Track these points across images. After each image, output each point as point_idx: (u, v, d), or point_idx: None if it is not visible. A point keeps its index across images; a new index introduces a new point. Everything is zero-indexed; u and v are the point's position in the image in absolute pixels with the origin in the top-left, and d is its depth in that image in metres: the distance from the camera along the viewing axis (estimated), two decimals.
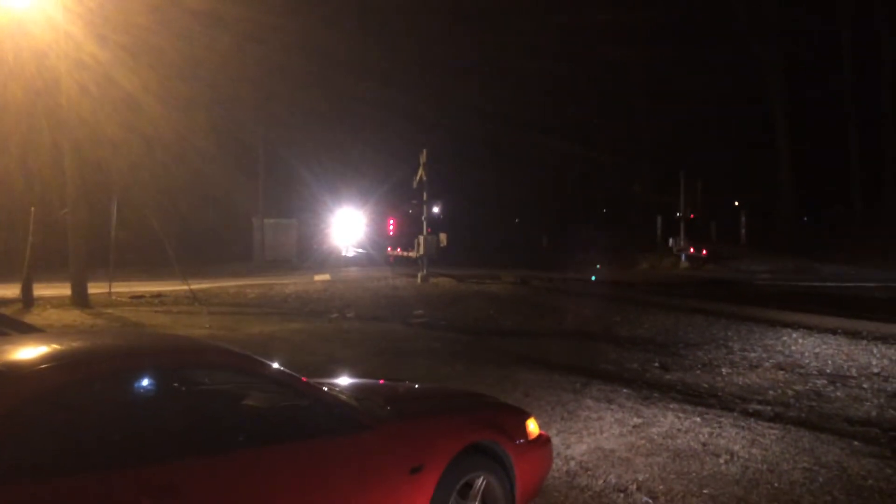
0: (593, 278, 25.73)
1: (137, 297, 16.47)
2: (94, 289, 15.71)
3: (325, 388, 3.64)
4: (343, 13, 35.67)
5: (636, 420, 6.67)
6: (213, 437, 3.09)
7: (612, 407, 7.13)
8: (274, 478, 3.04)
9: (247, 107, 31.95)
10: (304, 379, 3.50)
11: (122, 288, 17.49)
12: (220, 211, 32.49)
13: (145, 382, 3.07)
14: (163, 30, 23.58)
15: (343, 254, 33.91)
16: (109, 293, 16.19)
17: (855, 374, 8.93)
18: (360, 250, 34.10)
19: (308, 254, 32.96)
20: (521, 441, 4.15)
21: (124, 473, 2.65)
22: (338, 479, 3.23)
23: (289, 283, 20.25)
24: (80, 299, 14.84)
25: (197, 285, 17.53)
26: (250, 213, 32.48)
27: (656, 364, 9.64)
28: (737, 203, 40.83)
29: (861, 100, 39.94)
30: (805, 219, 42.67)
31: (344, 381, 4.79)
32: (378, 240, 33.82)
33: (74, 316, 13.46)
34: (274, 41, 30.87)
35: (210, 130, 29.57)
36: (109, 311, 14.42)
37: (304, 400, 3.36)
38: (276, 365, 3.47)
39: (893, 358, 9.63)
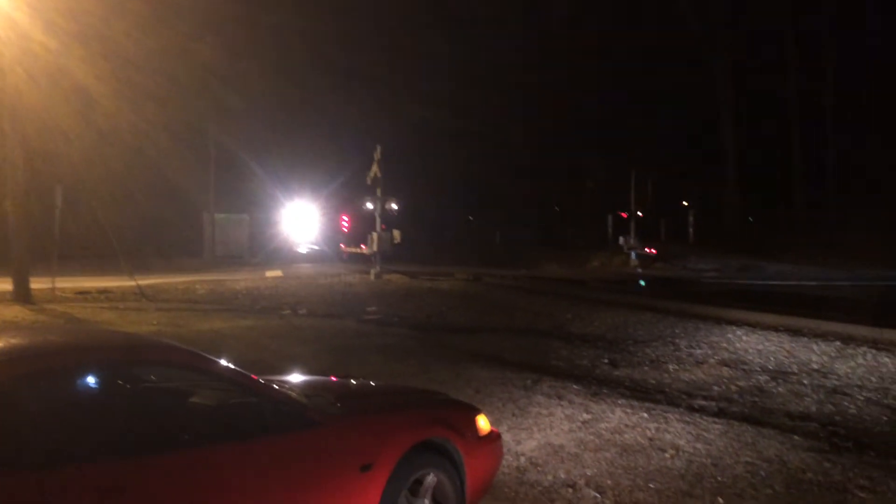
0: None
1: (83, 293, 16.05)
2: (38, 284, 15.26)
3: (275, 386, 3.61)
4: (299, 3, 35.27)
5: (585, 416, 6.76)
6: (159, 436, 3.03)
7: (563, 403, 7.22)
8: (221, 476, 3.00)
9: (199, 99, 31.39)
10: (253, 376, 3.46)
11: (68, 283, 17.02)
12: (171, 205, 31.85)
13: (87, 380, 3.00)
14: (116, 19, 22.96)
15: (296, 249, 33.61)
16: (53, 288, 15.74)
17: (796, 371, 9.21)
18: (314, 246, 33.84)
19: (260, 249, 32.59)
20: (472, 438, 4.17)
21: (65, 473, 2.59)
22: (286, 476, 3.21)
23: (240, 279, 20.00)
24: (22, 294, 14.40)
25: (145, 281, 17.17)
26: (201, 208, 31.91)
27: (606, 361, 9.78)
28: (685, 203, 41.70)
29: (805, 103, 41.18)
30: (750, 218, 43.81)
31: (294, 378, 4.75)
32: (331, 236, 33.60)
33: (15, 312, 13.05)
34: (228, 32, 30.41)
35: (163, 123, 28.96)
36: (53, 307, 14.02)
37: (252, 397, 3.32)
38: (223, 362, 3.42)
39: (832, 354, 9.96)
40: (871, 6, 37.84)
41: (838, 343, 10.48)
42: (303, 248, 33.91)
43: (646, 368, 9.40)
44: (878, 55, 38.00)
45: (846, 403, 7.63)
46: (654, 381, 8.64)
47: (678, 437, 6.18)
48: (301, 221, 33.63)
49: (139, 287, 15.85)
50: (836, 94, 40.33)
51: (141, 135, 27.93)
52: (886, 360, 9.47)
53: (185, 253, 30.74)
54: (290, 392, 3.68)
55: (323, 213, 34.21)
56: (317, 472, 3.34)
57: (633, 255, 33.62)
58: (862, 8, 38.05)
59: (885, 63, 37.75)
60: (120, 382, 3.23)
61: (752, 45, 39.84)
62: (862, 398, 7.84)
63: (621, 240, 34.51)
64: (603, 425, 6.47)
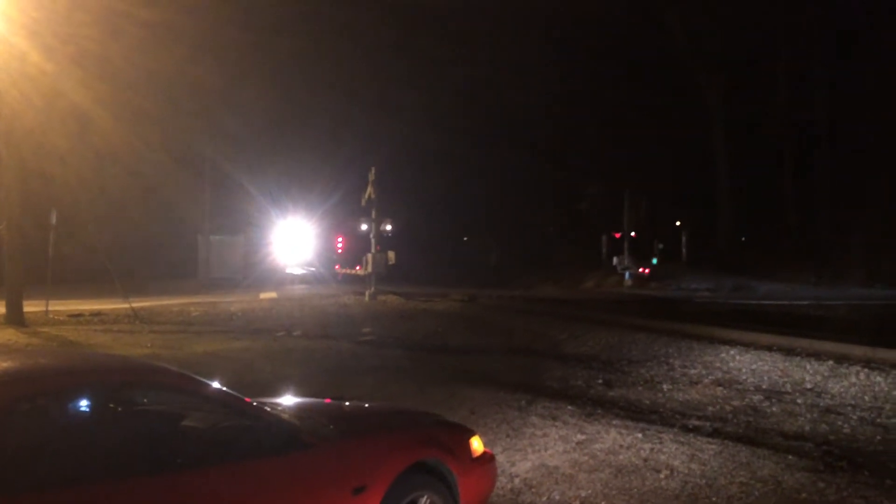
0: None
1: (76, 316, 16.00)
2: (31, 306, 15.22)
3: (268, 408, 3.60)
4: (295, 27, 35.57)
5: (580, 436, 6.75)
6: (151, 459, 3.03)
7: (557, 424, 7.21)
8: (213, 499, 3.00)
9: (195, 120, 31.50)
10: (246, 399, 3.46)
11: (61, 306, 16.98)
12: (166, 226, 31.86)
13: (79, 403, 3.00)
14: (114, 42, 23.10)
15: (290, 271, 33.58)
16: (47, 311, 15.69)
17: (789, 390, 9.21)
18: (309, 268, 33.83)
19: (254, 271, 32.53)
20: (466, 459, 4.16)
21: (56, 495, 2.58)
22: (279, 499, 3.20)
23: (234, 301, 19.96)
24: (15, 317, 14.34)
25: (139, 303, 17.13)
26: (196, 229, 31.90)
27: (600, 381, 9.78)
28: (678, 223, 41.85)
29: (796, 123, 41.54)
30: (743, 238, 43.96)
31: (288, 400, 4.74)
32: (326, 257, 33.60)
33: (8, 335, 12.99)
34: (224, 54, 30.62)
35: (159, 144, 29.06)
36: (46, 329, 13.97)
37: (245, 420, 3.32)
38: (216, 384, 3.42)
39: (825, 374, 9.96)
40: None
41: (832, 362, 10.48)
42: (297, 270, 33.90)
43: (640, 388, 9.40)
44: (870, 72, 38.43)
45: (840, 423, 7.63)
46: (648, 402, 8.63)
47: (673, 457, 6.17)
48: (296, 243, 33.63)
49: (133, 309, 15.81)
50: (829, 114, 40.72)
51: (137, 156, 28.02)
52: (879, 379, 9.47)
53: (180, 274, 30.68)
54: (282, 414, 3.68)
55: (318, 233, 34.25)
56: (309, 495, 3.33)
57: (626, 275, 33.68)
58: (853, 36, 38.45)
59: (878, 81, 38.17)
60: (112, 406, 3.23)
61: (744, 68, 40.20)
62: (856, 417, 7.84)
63: (615, 260, 34.59)
64: (598, 446, 6.46)
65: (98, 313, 16.45)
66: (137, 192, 29.20)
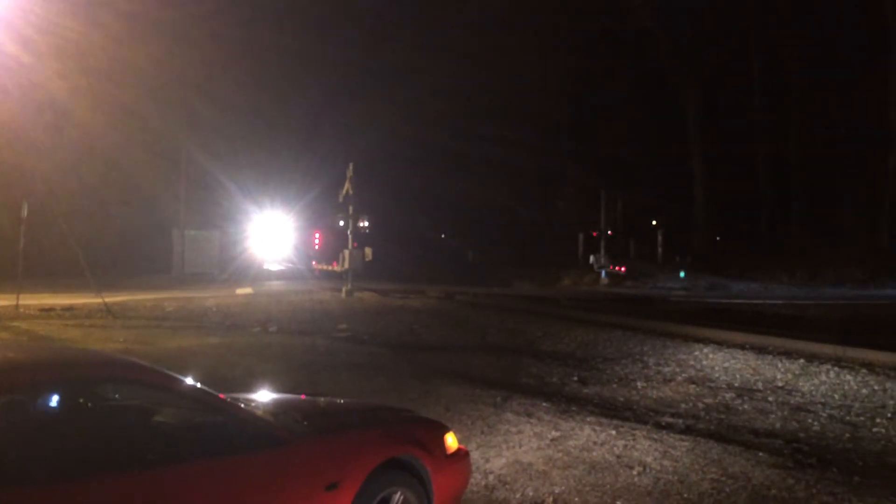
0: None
1: (47, 310, 15.74)
2: (1, 300, 14.96)
3: (241, 404, 3.58)
4: (273, 18, 35.30)
5: (554, 433, 6.79)
6: (122, 455, 2.99)
7: (532, 420, 7.24)
8: (185, 495, 2.97)
9: (173, 113, 31.12)
10: (220, 395, 3.44)
11: (33, 300, 16.70)
12: (141, 221, 31.44)
13: (49, 398, 2.96)
14: (93, 34, 22.76)
15: (267, 267, 33.34)
16: (17, 305, 15.43)
17: (761, 388, 9.34)
18: (286, 263, 33.60)
19: (230, 266, 32.23)
20: (440, 455, 4.17)
21: (25, 492, 2.55)
22: (251, 496, 3.18)
23: (209, 297, 19.77)
24: None
25: (112, 298, 16.91)
26: (170, 223, 31.54)
27: (575, 378, 9.84)
28: (654, 222, 42.20)
29: (770, 124, 42.13)
30: (718, 238, 44.48)
31: (262, 396, 4.72)
32: (303, 253, 33.39)
33: None
34: (203, 47, 30.28)
35: (137, 137, 28.68)
36: (16, 324, 13.73)
37: (217, 416, 3.30)
38: (189, 380, 3.40)
39: (796, 372, 10.11)
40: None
41: (802, 361, 10.65)
42: (274, 265, 33.66)
43: (614, 386, 9.47)
44: (844, 70, 39.10)
45: (810, 420, 7.76)
46: (622, 399, 8.70)
47: (646, 454, 6.22)
48: (272, 238, 33.39)
49: (106, 304, 15.60)
50: (801, 117, 41.34)
51: (115, 148, 27.64)
52: (849, 377, 9.64)
53: (155, 269, 30.31)
54: (256, 410, 3.66)
55: (295, 229, 34.02)
56: (282, 492, 3.31)
57: (603, 273, 33.90)
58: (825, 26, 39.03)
59: (850, 79, 38.84)
60: (82, 401, 3.19)
61: (721, 67, 40.65)
62: (825, 415, 7.97)
63: (592, 258, 34.79)
64: (572, 443, 6.50)
65: (70, 308, 16.21)
66: (115, 185, 28.81)
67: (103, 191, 28.43)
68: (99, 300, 15.81)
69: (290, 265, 33.22)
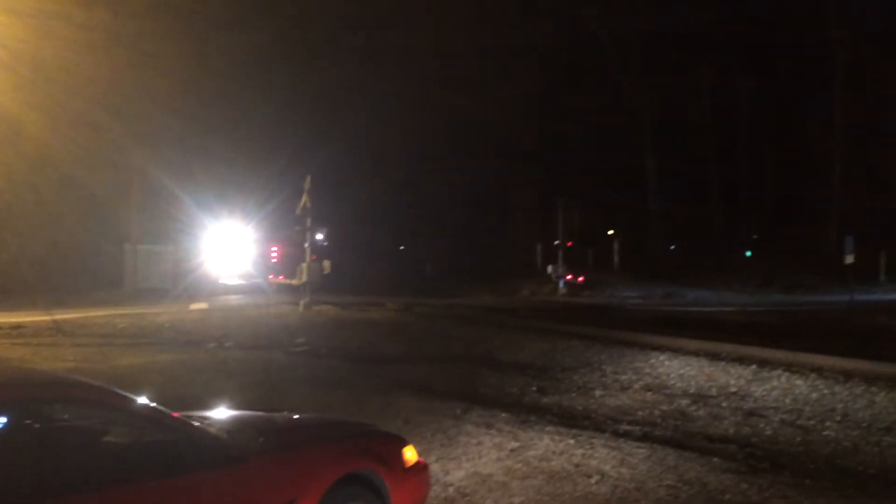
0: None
1: None
2: None
3: (195, 422, 3.52)
4: (230, 31, 34.90)
5: (514, 444, 6.81)
6: (71, 477, 2.91)
7: (491, 432, 7.25)
8: None
9: (126, 125, 30.47)
10: (173, 413, 3.37)
11: None
12: (93, 235, 30.69)
13: None
14: (49, 45, 22.20)
15: (224, 281, 32.83)
16: None
17: (715, 394, 9.50)
18: (243, 277, 33.14)
19: (185, 280, 31.65)
20: (399, 469, 4.15)
21: None
22: None
23: (162, 312, 19.40)
24: None
25: (62, 315, 16.50)
26: (122, 237, 30.88)
27: (534, 388, 9.89)
28: (611, 232, 42.79)
29: (720, 138, 43.27)
30: (672, 247, 45.28)
31: (218, 413, 4.64)
32: (260, 266, 32.99)
33: None
34: (159, 58, 29.76)
35: (90, 149, 28.00)
36: None
37: (170, 434, 3.24)
38: (141, 399, 3.32)
39: (749, 378, 10.31)
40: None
41: (755, 366, 10.86)
42: (232, 279, 33.18)
43: (573, 395, 9.55)
44: (789, 80, 40.26)
45: (762, 425, 7.92)
46: (581, 408, 8.78)
47: (604, 462, 6.28)
48: (229, 252, 32.90)
49: (55, 321, 15.21)
50: (749, 130, 42.55)
51: (71, 162, 26.99)
52: (799, 382, 9.86)
53: (107, 285, 29.59)
54: (210, 428, 3.60)
55: (253, 242, 33.59)
56: None
57: (561, 283, 34.20)
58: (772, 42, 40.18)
59: (797, 87, 40.04)
60: (29, 422, 3.10)
61: (670, 80, 41.51)
62: (777, 420, 8.14)
63: (550, 268, 35.07)
64: (531, 453, 6.53)
65: (18, 326, 15.73)
66: (70, 198, 28.08)
67: (58, 205, 27.72)
68: (48, 318, 15.40)
69: (248, 279, 32.78)
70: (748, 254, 42.53)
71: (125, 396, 3.25)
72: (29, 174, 26.08)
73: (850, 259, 22.77)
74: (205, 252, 33.12)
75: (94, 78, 26.28)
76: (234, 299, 26.67)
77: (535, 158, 44.72)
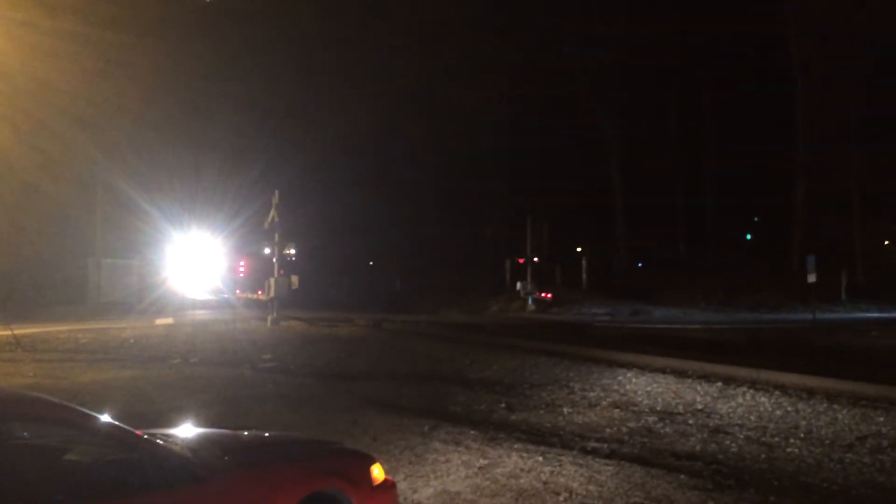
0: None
1: None
2: None
3: (158, 440, 3.46)
4: (198, 42, 34.67)
5: (482, 461, 6.79)
6: (30, 496, 2.84)
7: (460, 449, 7.23)
8: None
9: (91, 135, 30.01)
10: (137, 432, 3.31)
11: None
12: (57, 247, 30.08)
13: None
14: (8, 51, 21.82)
15: (191, 296, 32.36)
16: None
17: (682, 411, 9.59)
18: (210, 292, 32.70)
19: (150, 295, 31.14)
20: (366, 487, 4.12)
21: None
22: None
23: (127, 327, 19.08)
24: None
25: (23, 330, 16.15)
26: (87, 250, 30.32)
27: (503, 405, 9.89)
28: (579, 249, 43.14)
29: (687, 161, 44.16)
30: (640, 265, 45.78)
31: (182, 431, 4.57)
32: (228, 281, 32.59)
33: None
34: (125, 67, 29.43)
35: (54, 160, 27.51)
36: None
37: (133, 453, 3.17)
38: (103, 416, 3.26)
39: (714, 395, 10.43)
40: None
41: (720, 384, 10.98)
42: (199, 294, 32.71)
43: (541, 412, 9.56)
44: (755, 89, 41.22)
45: (728, 442, 8.00)
46: (549, 425, 8.79)
47: (572, 479, 6.29)
48: (197, 266, 32.45)
49: (15, 336, 14.87)
50: (716, 154, 43.41)
51: (35, 172, 26.50)
52: (764, 399, 9.99)
53: (69, 299, 29.02)
54: (173, 446, 3.54)
55: (221, 257, 33.19)
56: None
57: (529, 300, 34.31)
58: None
59: (764, 99, 41.00)
60: None
61: (638, 104, 42.18)
62: (742, 437, 8.23)
63: (519, 285, 35.19)
64: (499, 470, 6.51)
65: None
66: (33, 210, 27.53)
67: (21, 216, 27.16)
68: (8, 332, 15.06)
69: (216, 294, 32.35)
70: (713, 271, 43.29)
71: (87, 414, 3.19)
72: None
73: (812, 278, 23.20)
74: (172, 266, 32.65)
75: (59, 87, 25.92)
76: (200, 314, 26.32)
77: (505, 176, 45.06)
